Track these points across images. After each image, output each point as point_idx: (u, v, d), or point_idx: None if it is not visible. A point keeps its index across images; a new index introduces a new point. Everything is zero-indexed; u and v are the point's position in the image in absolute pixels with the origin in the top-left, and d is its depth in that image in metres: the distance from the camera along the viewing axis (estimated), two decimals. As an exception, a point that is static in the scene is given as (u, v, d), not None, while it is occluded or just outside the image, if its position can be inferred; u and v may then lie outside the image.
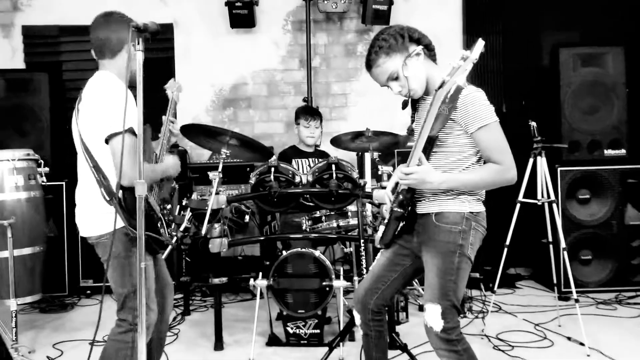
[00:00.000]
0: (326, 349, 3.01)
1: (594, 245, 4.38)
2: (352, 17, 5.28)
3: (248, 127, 5.31)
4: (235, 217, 3.92)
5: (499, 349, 3.29)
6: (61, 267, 4.48)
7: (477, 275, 4.27)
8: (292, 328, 3.41)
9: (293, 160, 4.27)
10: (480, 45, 1.89)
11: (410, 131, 2.39)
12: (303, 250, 3.38)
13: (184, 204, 3.84)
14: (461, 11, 5.22)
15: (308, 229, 3.68)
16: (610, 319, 3.84)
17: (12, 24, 5.28)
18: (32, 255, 3.50)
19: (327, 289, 3.31)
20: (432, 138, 2.04)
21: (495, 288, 3.78)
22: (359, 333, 3.48)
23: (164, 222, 2.41)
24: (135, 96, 2.11)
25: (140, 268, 2.02)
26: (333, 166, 3.42)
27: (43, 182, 3.65)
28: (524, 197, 3.65)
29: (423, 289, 3.98)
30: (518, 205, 3.65)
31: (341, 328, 3.25)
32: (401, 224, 2.17)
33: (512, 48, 5.00)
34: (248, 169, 4.49)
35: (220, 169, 3.31)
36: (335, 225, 3.66)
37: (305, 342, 3.40)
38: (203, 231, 3.27)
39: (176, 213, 3.79)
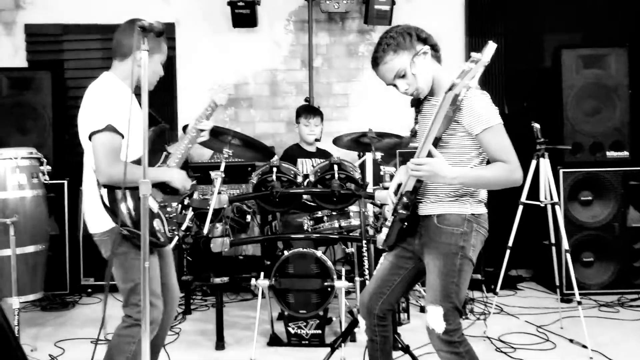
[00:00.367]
0: (327, 349, 3.00)
1: (596, 248, 4.37)
2: (354, 17, 5.28)
3: (249, 127, 5.31)
4: (237, 216, 3.92)
5: (501, 351, 3.29)
6: (62, 265, 4.47)
7: (479, 276, 4.27)
8: (293, 328, 3.41)
9: (298, 159, 4.27)
10: (491, 48, 1.86)
11: (414, 133, 2.38)
12: (305, 250, 3.38)
13: (185, 203, 3.83)
14: (463, 12, 5.22)
15: (310, 229, 3.67)
16: (613, 321, 3.83)
17: (15, 22, 5.27)
18: (35, 253, 3.50)
19: (329, 289, 3.31)
20: (435, 139, 2.03)
21: (498, 290, 3.78)
22: (360, 334, 3.47)
23: (163, 219, 2.40)
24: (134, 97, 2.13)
25: (143, 267, 2.03)
26: (335, 166, 3.41)
27: (45, 180, 3.64)
28: (527, 198, 3.65)
29: (424, 290, 3.99)
30: (521, 207, 3.64)
31: (343, 329, 3.25)
32: (404, 226, 2.17)
33: (514, 49, 5.00)
34: (249, 168, 4.48)
35: (222, 168, 3.30)
36: (336, 225, 3.65)
37: (307, 342, 3.40)
38: (205, 230, 3.27)
39: (178, 212, 3.79)
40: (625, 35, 4.93)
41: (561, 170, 4.28)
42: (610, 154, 4.34)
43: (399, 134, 3.71)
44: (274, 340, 3.44)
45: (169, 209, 2.44)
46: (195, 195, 4.30)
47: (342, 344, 3.05)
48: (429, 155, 2.02)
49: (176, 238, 2.71)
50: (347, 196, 3.37)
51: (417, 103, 2.31)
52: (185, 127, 3.36)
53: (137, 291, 2.26)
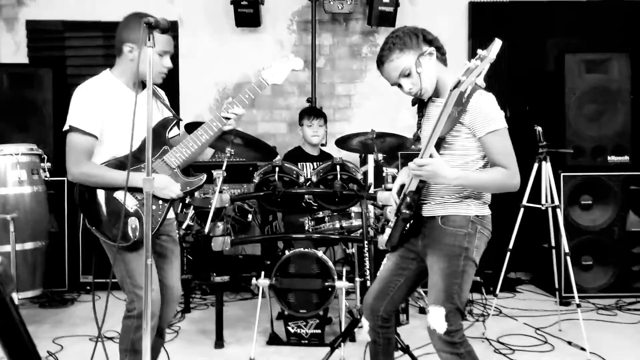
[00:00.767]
0: (327, 349, 3.01)
1: (595, 251, 4.38)
2: (357, 19, 5.28)
3: (251, 127, 5.30)
4: (238, 216, 3.92)
5: (500, 353, 3.29)
6: (61, 262, 4.47)
7: (478, 278, 4.27)
8: (293, 328, 3.41)
9: (299, 163, 4.27)
10: (497, 44, 1.86)
11: (416, 138, 2.39)
12: (306, 250, 3.38)
13: (187, 202, 3.83)
14: (467, 15, 5.23)
15: (311, 229, 3.67)
16: (611, 324, 3.84)
17: (16, 19, 5.27)
18: (34, 250, 3.50)
19: (329, 289, 3.31)
20: (439, 139, 2.03)
21: (497, 292, 3.78)
22: (360, 334, 3.50)
23: (142, 217, 2.32)
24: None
25: (146, 264, 2.03)
26: (338, 167, 3.42)
27: (46, 177, 3.64)
28: (528, 201, 3.65)
29: (424, 291, 4.00)
30: (522, 210, 3.65)
31: (342, 329, 3.25)
32: (408, 227, 2.17)
33: (518, 53, 5.00)
34: (251, 168, 4.48)
35: (224, 167, 3.30)
36: (337, 226, 3.66)
37: (306, 342, 3.40)
38: (206, 229, 3.27)
39: (178, 210, 3.78)
40: (628, 40, 4.95)
41: (562, 174, 4.29)
42: (612, 158, 4.35)
43: (402, 135, 3.72)
44: (274, 340, 3.44)
45: (154, 207, 2.32)
46: (197, 194, 4.30)
47: (342, 344, 3.05)
48: (432, 155, 2.02)
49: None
50: (349, 197, 3.37)
51: (420, 105, 2.31)
52: (188, 126, 3.35)
53: (124, 284, 2.36)
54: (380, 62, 2.20)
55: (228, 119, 2.42)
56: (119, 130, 2.32)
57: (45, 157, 3.67)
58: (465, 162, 2.11)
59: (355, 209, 3.63)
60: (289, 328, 3.41)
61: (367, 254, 3.12)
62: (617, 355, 3.28)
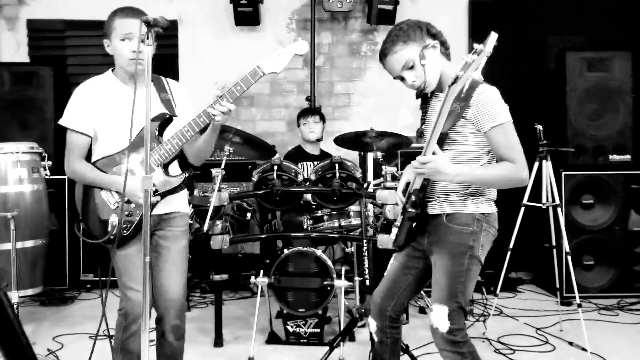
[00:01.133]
0: (326, 348, 3.00)
1: (597, 251, 4.36)
2: (357, 17, 5.27)
3: (250, 125, 5.30)
4: (237, 214, 3.92)
5: (500, 353, 3.28)
6: (62, 261, 4.48)
7: (479, 278, 4.24)
8: (292, 327, 3.40)
9: (299, 163, 4.26)
10: (493, 38, 1.84)
11: (420, 134, 2.37)
12: (305, 249, 3.37)
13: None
14: (467, 14, 5.21)
15: (310, 228, 3.67)
16: (612, 324, 3.82)
17: (17, 18, 5.28)
18: (34, 248, 3.49)
19: (328, 288, 3.30)
20: (442, 135, 2.01)
21: (498, 291, 3.77)
22: (359, 334, 3.49)
23: (121, 218, 2.29)
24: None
25: (144, 262, 2.02)
26: (336, 165, 3.41)
27: (46, 175, 3.64)
28: (529, 200, 3.64)
29: (425, 291, 3.98)
30: (522, 209, 3.63)
31: (341, 328, 3.24)
32: (414, 225, 2.15)
33: (518, 51, 4.99)
34: (250, 166, 4.48)
35: (223, 165, 3.30)
36: (336, 224, 3.65)
37: (305, 341, 3.39)
38: (205, 228, 3.26)
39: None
40: (629, 38, 4.94)
41: (563, 173, 4.27)
42: (613, 157, 4.33)
43: (401, 134, 3.70)
44: (273, 338, 3.44)
45: (132, 205, 2.27)
46: (196, 193, 4.31)
47: (341, 343, 3.04)
48: (434, 153, 2.01)
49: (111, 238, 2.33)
50: (347, 195, 3.36)
51: (424, 99, 2.29)
52: None
53: (120, 283, 2.32)
54: (383, 55, 2.17)
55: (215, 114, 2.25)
56: (114, 128, 2.31)
57: (46, 156, 3.66)
58: (469, 158, 2.09)
59: (354, 207, 3.62)
60: (288, 327, 3.41)
61: (365, 253, 3.10)
62: (619, 355, 3.26)
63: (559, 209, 3.61)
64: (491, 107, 2.02)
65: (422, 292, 4.10)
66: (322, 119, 4.46)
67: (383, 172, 3.50)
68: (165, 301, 2.37)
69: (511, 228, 3.64)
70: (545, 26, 5.12)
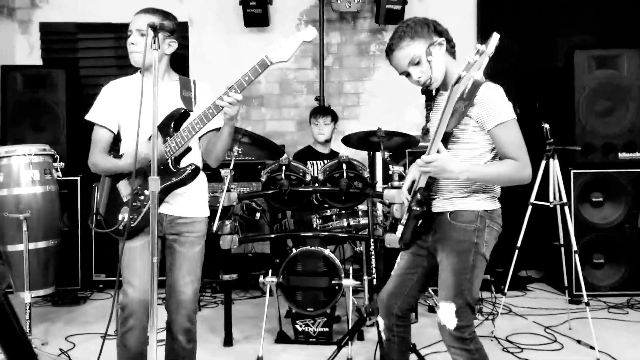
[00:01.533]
0: (335, 347, 3.02)
1: (607, 249, 4.34)
2: (365, 17, 5.29)
3: (260, 125, 5.34)
4: (246, 214, 3.95)
5: (508, 351, 3.28)
6: (74, 261, 4.53)
7: (488, 277, 4.25)
8: (301, 326, 3.43)
9: (308, 162, 4.29)
10: (495, 38, 1.87)
11: (426, 131, 2.39)
12: (313, 248, 3.39)
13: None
14: (475, 12, 5.20)
15: (319, 227, 3.69)
16: (622, 323, 3.81)
17: (30, 21, 5.35)
18: (47, 248, 3.54)
19: (337, 287, 3.32)
20: (446, 134, 2.03)
21: (506, 290, 3.77)
22: (368, 333, 3.51)
23: (131, 208, 2.32)
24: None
25: (152, 262, 2.06)
26: (344, 165, 3.43)
27: (58, 176, 3.69)
28: (536, 199, 3.63)
29: (433, 290, 3.99)
30: (530, 207, 3.63)
31: (350, 327, 3.26)
32: (419, 223, 2.17)
33: (527, 50, 4.98)
34: (259, 166, 4.51)
35: (231, 166, 3.33)
36: (345, 224, 3.67)
37: (314, 340, 3.42)
38: (214, 228, 3.30)
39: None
40: (638, 35, 4.89)
41: (572, 171, 4.26)
42: (622, 155, 4.30)
43: (409, 133, 3.71)
44: (282, 338, 3.46)
45: (141, 197, 2.33)
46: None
47: (349, 342, 3.07)
48: (439, 151, 2.03)
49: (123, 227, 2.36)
50: (355, 195, 3.38)
51: (428, 97, 2.31)
52: None
53: (122, 276, 2.33)
54: (390, 50, 2.19)
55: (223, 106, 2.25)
56: (135, 125, 2.34)
57: (58, 157, 3.72)
58: (473, 156, 2.11)
59: (362, 207, 3.64)
60: (297, 326, 3.43)
61: (372, 252, 3.12)
62: (627, 354, 3.25)
63: (565, 208, 3.60)
64: (495, 105, 2.04)
65: (430, 291, 4.11)
66: (334, 119, 4.48)
67: (390, 172, 3.51)
68: (177, 304, 2.40)
69: (519, 227, 3.63)
70: (553, 24, 5.10)
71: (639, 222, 4.33)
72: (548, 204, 3.64)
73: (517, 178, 2.06)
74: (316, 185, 3.51)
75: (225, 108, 2.23)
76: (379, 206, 3.57)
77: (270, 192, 3.43)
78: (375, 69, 5.31)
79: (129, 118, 2.36)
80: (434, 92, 2.28)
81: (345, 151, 4.09)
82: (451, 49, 2.20)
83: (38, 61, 5.33)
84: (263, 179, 3.55)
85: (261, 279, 3.38)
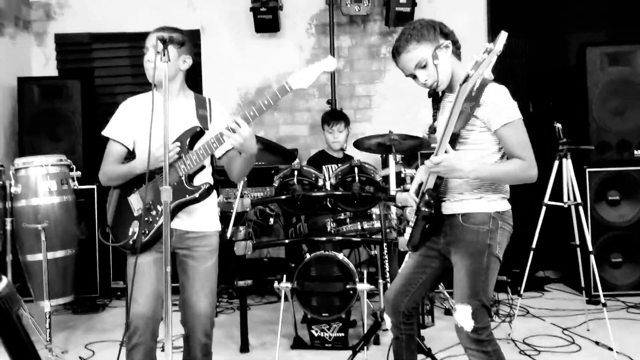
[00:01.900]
0: (350, 352, 3.03)
1: (625, 248, 4.29)
2: (375, 20, 5.29)
3: (273, 130, 5.36)
4: (260, 219, 3.98)
5: (525, 354, 3.26)
6: (93, 269, 4.58)
7: (504, 278, 4.22)
8: (316, 331, 3.44)
9: (323, 166, 4.30)
10: (503, 37, 1.88)
11: (433, 130, 2.40)
12: (326, 253, 3.40)
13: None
14: (485, 11, 5.17)
15: (333, 231, 3.70)
16: (641, 323, 3.77)
17: (46, 32, 5.43)
18: (65, 257, 3.59)
19: (351, 292, 3.32)
20: (454, 134, 2.04)
21: (522, 292, 3.74)
22: (384, 337, 3.51)
23: (142, 223, 2.34)
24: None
25: (165, 272, 2.09)
26: (356, 169, 3.44)
27: (75, 186, 3.74)
28: (551, 199, 3.61)
29: (450, 293, 3.97)
30: (544, 208, 3.60)
31: (365, 331, 3.26)
32: (428, 225, 2.17)
33: (539, 48, 4.93)
34: (273, 171, 4.53)
35: (245, 173, 3.35)
36: (359, 227, 3.67)
37: (330, 345, 3.42)
38: (228, 234, 3.33)
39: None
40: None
41: (587, 170, 4.22)
42: (638, 152, 4.25)
43: (420, 136, 3.71)
44: (298, 343, 3.47)
45: (153, 212, 2.34)
46: (220, 199, 4.38)
47: (365, 347, 3.06)
48: (446, 151, 2.04)
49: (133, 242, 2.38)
50: (367, 199, 3.39)
51: (435, 98, 2.32)
52: None
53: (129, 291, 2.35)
54: (397, 53, 2.21)
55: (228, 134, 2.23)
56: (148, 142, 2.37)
57: (74, 167, 3.77)
58: (482, 156, 2.11)
59: (376, 210, 3.64)
60: (313, 332, 3.44)
61: (385, 256, 3.12)
62: (647, 354, 3.22)
63: (580, 207, 3.57)
64: (501, 105, 2.05)
65: (447, 294, 4.10)
66: (347, 124, 4.49)
67: (402, 175, 3.52)
68: (192, 319, 2.40)
69: (534, 227, 3.61)
70: (565, 21, 5.06)
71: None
72: (562, 204, 3.61)
73: (524, 177, 2.07)
74: (328, 189, 3.53)
75: (231, 137, 2.21)
76: (393, 209, 3.57)
77: (283, 197, 3.45)
78: (387, 72, 5.31)
79: (144, 134, 2.36)
80: (440, 94, 2.29)
81: (357, 154, 4.10)
82: (457, 51, 2.21)
83: (54, 72, 5.41)
84: (276, 184, 3.57)
85: (276, 284, 3.39)
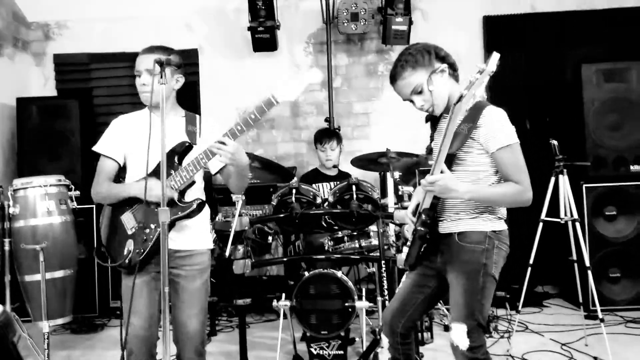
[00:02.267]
0: (349, 370, 3.02)
1: (622, 263, 4.29)
2: (372, 38, 5.34)
3: (271, 148, 5.39)
4: (258, 238, 3.98)
5: (524, 370, 3.26)
6: (92, 288, 4.58)
7: (503, 294, 4.22)
8: (315, 349, 3.42)
9: (314, 184, 4.31)
10: (495, 57, 1.91)
11: (429, 150, 2.42)
12: (325, 271, 3.39)
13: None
14: (481, 29, 5.23)
15: (330, 249, 3.70)
16: (639, 337, 3.75)
17: (44, 53, 5.47)
18: (64, 278, 3.59)
19: (350, 309, 3.32)
20: (450, 155, 2.07)
21: (520, 307, 3.74)
22: (382, 354, 3.49)
23: (136, 241, 2.37)
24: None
25: (163, 292, 2.10)
26: (354, 187, 3.45)
27: (74, 206, 3.75)
28: (547, 215, 3.62)
29: (448, 309, 3.97)
30: (541, 224, 3.62)
31: (364, 349, 3.25)
32: (425, 245, 2.19)
33: (535, 64, 4.98)
34: (271, 189, 4.54)
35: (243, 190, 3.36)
36: (357, 245, 3.68)
37: (329, 363, 3.41)
38: (227, 252, 3.33)
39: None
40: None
41: (584, 185, 4.23)
42: (635, 167, 4.28)
43: (418, 154, 3.73)
44: (297, 361, 3.46)
45: (146, 231, 2.36)
46: (218, 218, 4.38)
47: (363, 365, 3.06)
48: (442, 171, 2.06)
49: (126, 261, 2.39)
50: (365, 216, 3.39)
51: (433, 120, 2.35)
52: None
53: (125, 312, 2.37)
54: (393, 79, 2.25)
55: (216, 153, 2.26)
56: (142, 157, 2.39)
57: (73, 187, 3.77)
58: (478, 178, 2.13)
59: (373, 228, 3.64)
60: (312, 349, 3.42)
61: (384, 274, 3.12)
62: (645, 369, 3.22)
63: (577, 223, 3.58)
64: (499, 128, 2.07)
65: (445, 310, 4.09)
66: (339, 141, 4.51)
67: (400, 192, 3.53)
68: (183, 338, 2.42)
69: (532, 243, 3.62)
70: (560, 39, 5.10)
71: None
72: (559, 220, 3.63)
73: (518, 201, 2.09)
74: (326, 207, 3.54)
75: (221, 154, 2.24)
76: (391, 226, 3.58)
77: (281, 215, 3.45)
78: (384, 89, 5.35)
79: (135, 150, 2.42)
80: (437, 115, 2.31)
81: (355, 172, 4.11)
82: (454, 73, 2.23)
83: (52, 92, 5.45)
84: (274, 202, 3.57)
85: (275, 302, 3.39)
